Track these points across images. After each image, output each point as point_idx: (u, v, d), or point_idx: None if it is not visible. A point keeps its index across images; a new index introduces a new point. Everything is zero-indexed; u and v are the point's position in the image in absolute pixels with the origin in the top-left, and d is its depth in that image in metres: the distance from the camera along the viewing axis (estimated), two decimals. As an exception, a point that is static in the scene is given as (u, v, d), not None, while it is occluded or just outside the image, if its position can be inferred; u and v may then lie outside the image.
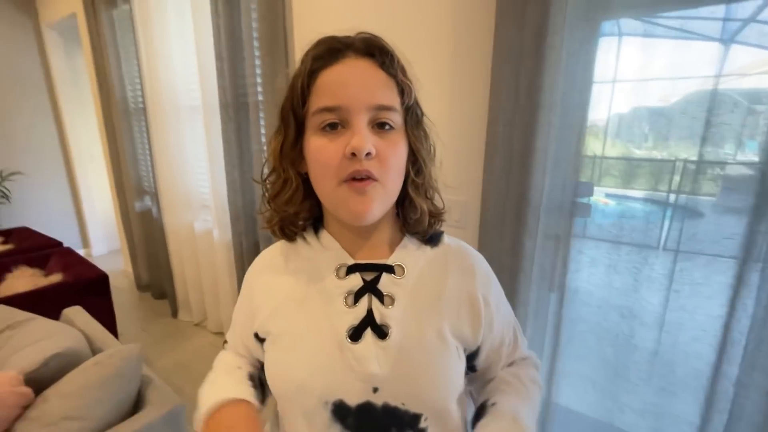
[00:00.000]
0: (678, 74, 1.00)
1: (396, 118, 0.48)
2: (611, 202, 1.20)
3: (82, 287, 1.80)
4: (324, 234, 0.55)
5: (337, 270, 0.52)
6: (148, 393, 1.00)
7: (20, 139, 3.49)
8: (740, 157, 0.95)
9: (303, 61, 0.50)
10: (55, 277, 1.87)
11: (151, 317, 2.71)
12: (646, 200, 1.11)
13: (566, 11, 0.99)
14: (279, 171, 0.52)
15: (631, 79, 1.06)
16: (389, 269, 0.52)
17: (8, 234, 2.66)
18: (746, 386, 0.87)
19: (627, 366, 1.11)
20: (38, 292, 1.69)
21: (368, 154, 0.44)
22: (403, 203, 0.53)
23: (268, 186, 0.55)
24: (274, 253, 0.60)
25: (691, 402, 0.99)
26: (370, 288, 0.51)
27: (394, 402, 0.48)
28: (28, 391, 0.88)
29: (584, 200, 1.17)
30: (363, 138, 0.44)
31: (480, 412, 0.55)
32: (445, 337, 0.50)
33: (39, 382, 0.93)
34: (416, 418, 0.49)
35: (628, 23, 1.04)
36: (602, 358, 1.18)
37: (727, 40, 0.93)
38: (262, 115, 1.77)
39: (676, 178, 1.03)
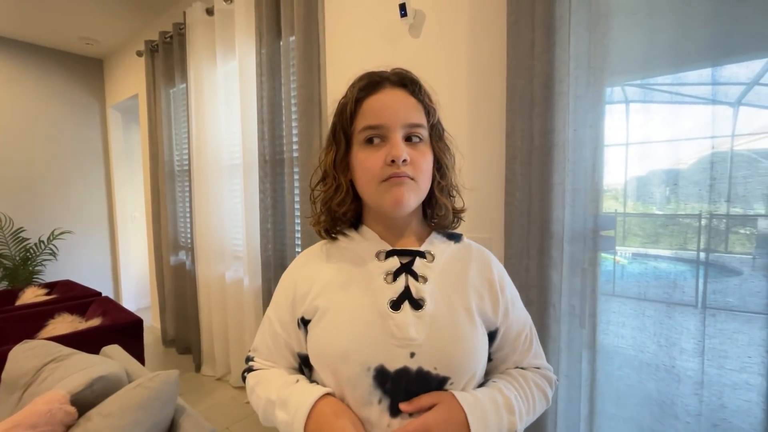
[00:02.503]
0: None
1: (423, 133, 0.60)
2: (624, 260, 1.24)
3: (118, 330, 1.86)
4: (364, 228, 0.64)
5: (378, 254, 0.61)
6: (182, 420, 1.01)
7: (74, 202, 3.83)
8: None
9: (350, 91, 0.62)
10: (94, 321, 1.95)
11: (174, 372, 2.70)
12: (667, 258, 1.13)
13: (569, 63, 1.13)
14: (332, 179, 0.63)
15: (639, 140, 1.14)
16: (421, 255, 0.61)
17: (52, 286, 2.82)
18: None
19: (672, 400, 1.04)
20: (78, 334, 1.76)
21: (404, 160, 0.56)
22: (431, 202, 0.64)
23: (319, 193, 0.65)
24: (314, 250, 0.68)
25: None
26: (407, 268, 0.59)
27: (427, 367, 0.54)
28: (73, 410, 0.92)
29: (608, 232, 1.21)
30: (400, 148, 0.56)
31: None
32: (472, 313, 0.58)
33: (83, 404, 0.96)
34: (444, 381, 0.55)
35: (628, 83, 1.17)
36: (645, 395, 1.11)
37: (734, 103, 1.00)
38: (296, 170, 1.94)
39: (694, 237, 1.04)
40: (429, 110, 0.61)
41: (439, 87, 1.50)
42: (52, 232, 3.56)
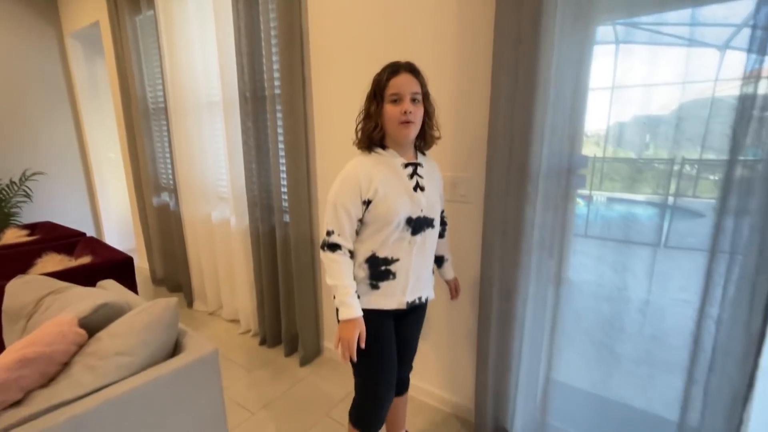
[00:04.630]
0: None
1: (419, 97, 1.07)
2: (598, 205, 1.33)
3: (110, 267, 1.91)
4: (390, 149, 1.11)
5: (403, 165, 1.11)
6: (185, 341, 1.10)
7: (42, 141, 3.65)
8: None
9: (384, 72, 1.06)
10: (84, 259, 1.98)
11: (167, 307, 2.81)
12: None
13: (558, -3, 1.11)
14: (370, 118, 1.08)
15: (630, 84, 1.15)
16: (419, 165, 1.14)
17: (33, 227, 2.79)
18: (725, 322, 0.96)
19: (622, 317, 1.20)
20: (70, 271, 1.81)
21: (410, 112, 1.03)
22: (422, 134, 1.14)
23: (360, 126, 1.11)
24: (362, 162, 1.09)
25: (680, 347, 1.08)
26: (415, 172, 1.12)
27: (425, 215, 1.12)
28: (82, 331, 0.99)
29: (581, 172, 1.28)
30: (408, 106, 1.03)
31: (443, 259, 1.38)
32: (438, 188, 1.20)
33: (90, 328, 1.03)
34: (432, 221, 1.14)
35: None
36: (599, 316, 1.27)
37: (722, 46, 1.00)
38: (279, 107, 1.90)
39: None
40: (423, 85, 1.08)
41: (426, 22, 1.47)
42: (24, 173, 3.43)
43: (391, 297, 1.12)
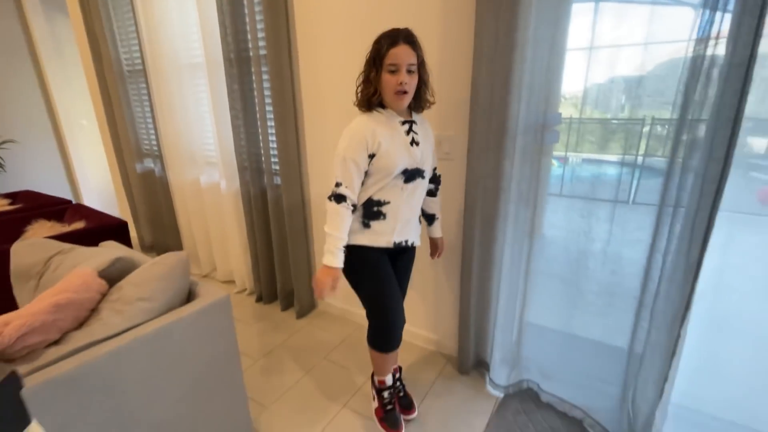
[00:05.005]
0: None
1: (415, 68, 1.16)
2: (556, 164, 1.46)
3: (105, 232, 1.95)
4: (388, 109, 1.22)
5: (400, 122, 1.23)
6: (198, 289, 1.20)
7: (8, 107, 3.48)
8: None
9: (383, 40, 1.14)
10: (78, 224, 2.01)
11: (159, 272, 2.87)
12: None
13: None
14: (369, 83, 1.18)
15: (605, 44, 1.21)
16: (414, 122, 1.26)
17: (13, 196, 2.74)
18: (671, 253, 1.14)
19: (587, 258, 1.37)
20: (66, 236, 1.84)
21: (405, 83, 1.14)
22: (419, 101, 1.26)
23: (360, 90, 1.21)
24: (366, 120, 1.20)
25: (633, 277, 1.27)
26: (411, 129, 1.25)
27: (419, 166, 1.26)
28: (103, 282, 1.07)
29: (555, 127, 1.40)
30: (404, 77, 1.14)
31: (433, 217, 1.52)
32: (432, 148, 1.33)
33: (108, 279, 1.12)
34: (423, 172, 1.28)
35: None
36: (567, 258, 1.44)
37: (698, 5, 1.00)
38: (264, 68, 1.90)
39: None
40: (419, 55, 1.17)
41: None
42: (-7, 141, 3.30)
43: (381, 236, 1.27)
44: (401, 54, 1.11)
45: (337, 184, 1.19)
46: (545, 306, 1.58)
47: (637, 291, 1.28)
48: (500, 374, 1.65)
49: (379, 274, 1.29)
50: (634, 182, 1.28)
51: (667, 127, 1.19)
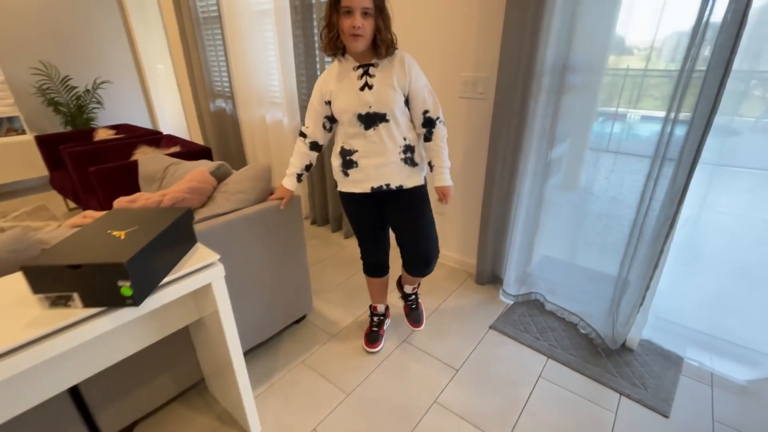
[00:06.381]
0: None
1: (371, 11, 1.15)
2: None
3: (195, 154, 2.41)
4: (348, 55, 1.27)
5: (354, 67, 1.26)
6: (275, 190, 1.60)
7: (103, 52, 4.02)
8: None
9: None
10: (174, 149, 2.49)
11: (230, 198, 3.40)
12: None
13: None
14: (330, 29, 1.20)
15: None
16: (372, 65, 1.26)
17: (116, 128, 3.31)
18: (662, 177, 1.35)
19: (593, 185, 1.60)
20: (170, 156, 2.32)
21: (359, 27, 1.14)
22: (376, 43, 1.21)
23: (324, 34, 1.23)
24: (328, 69, 1.33)
25: (631, 200, 1.49)
26: (366, 72, 1.26)
27: (375, 110, 1.26)
28: (213, 179, 1.49)
29: (577, 67, 1.57)
30: (357, 20, 1.14)
31: (430, 165, 1.40)
32: (393, 85, 1.25)
33: (216, 177, 1.53)
34: (384, 116, 1.27)
35: None
36: (578, 183, 1.67)
37: None
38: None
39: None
40: (376, 0, 1.15)
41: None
42: (95, 81, 3.88)
43: (358, 183, 1.37)
44: None
45: (303, 125, 1.43)
46: (555, 238, 1.84)
47: (633, 214, 1.50)
48: (512, 286, 1.97)
49: (355, 218, 1.48)
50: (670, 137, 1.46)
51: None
